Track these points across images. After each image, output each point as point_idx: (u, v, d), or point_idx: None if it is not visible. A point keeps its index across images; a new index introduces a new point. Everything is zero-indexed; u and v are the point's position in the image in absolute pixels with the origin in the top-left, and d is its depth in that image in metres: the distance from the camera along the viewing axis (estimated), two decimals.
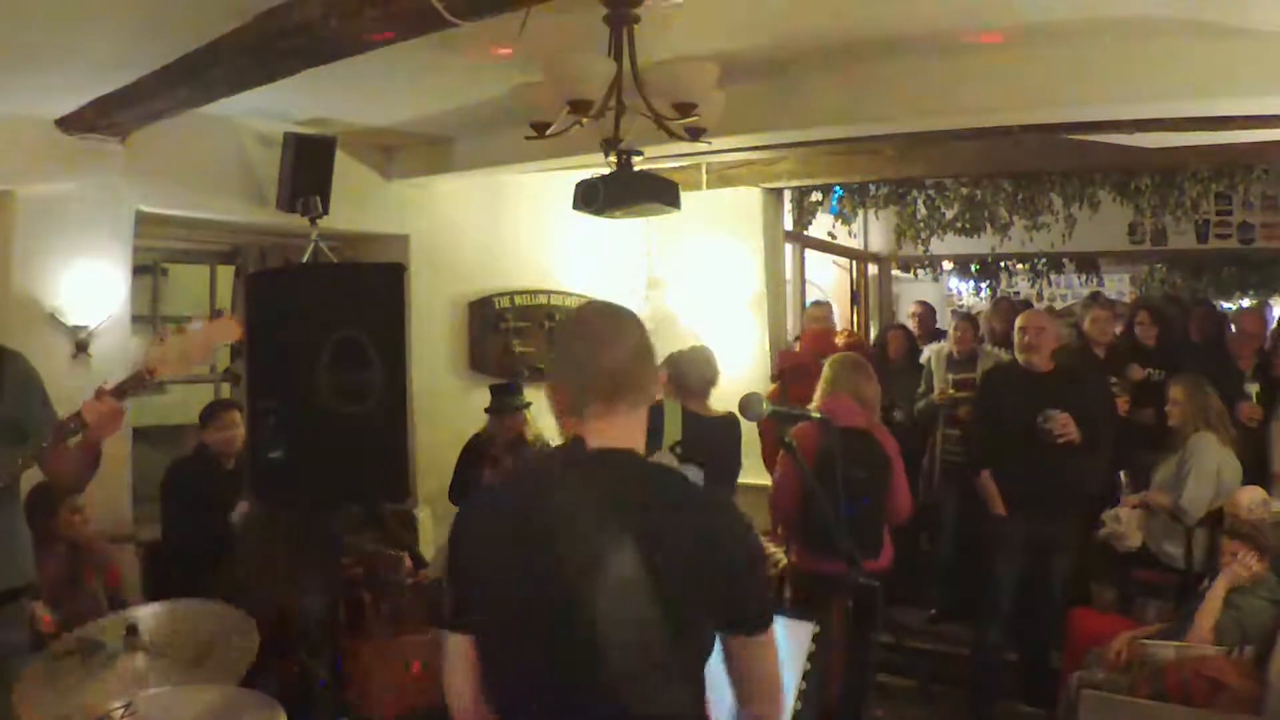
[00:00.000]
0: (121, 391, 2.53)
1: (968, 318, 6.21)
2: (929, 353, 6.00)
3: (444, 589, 1.65)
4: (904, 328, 6.67)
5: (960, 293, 11.49)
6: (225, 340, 2.70)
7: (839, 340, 6.06)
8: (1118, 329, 5.66)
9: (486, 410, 4.94)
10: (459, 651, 1.60)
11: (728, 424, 3.99)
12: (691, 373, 4.07)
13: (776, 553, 4.52)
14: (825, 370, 4.15)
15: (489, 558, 1.57)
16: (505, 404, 4.89)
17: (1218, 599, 3.63)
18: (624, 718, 1.49)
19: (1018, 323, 4.47)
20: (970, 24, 3.40)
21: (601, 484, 1.54)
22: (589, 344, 1.62)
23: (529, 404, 4.93)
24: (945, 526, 5.45)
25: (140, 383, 2.56)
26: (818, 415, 2.83)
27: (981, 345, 5.78)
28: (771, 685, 1.62)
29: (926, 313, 7.16)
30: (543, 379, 5.68)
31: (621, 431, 1.61)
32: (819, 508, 2.86)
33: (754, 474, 4.63)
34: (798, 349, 6.25)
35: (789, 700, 2.05)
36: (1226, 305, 9.66)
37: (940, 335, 6.89)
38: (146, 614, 2.71)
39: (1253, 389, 4.94)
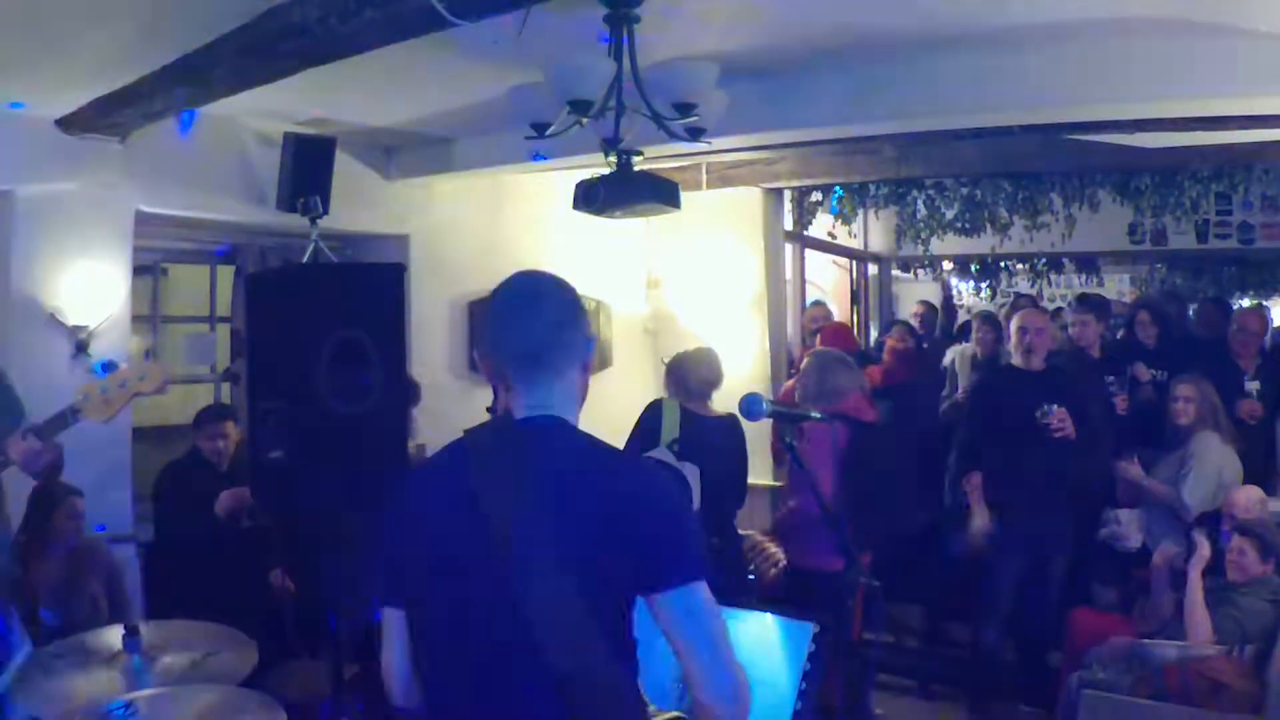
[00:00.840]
0: (45, 431, 2.66)
1: (991, 319, 6.17)
2: (953, 354, 6.02)
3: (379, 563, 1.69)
4: (908, 324, 6.68)
5: (960, 293, 11.48)
6: (146, 390, 2.78)
7: (892, 343, 6.06)
8: (1105, 330, 5.64)
9: (489, 410, 4.93)
10: (393, 626, 1.64)
11: (729, 425, 4.00)
12: (692, 374, 4.09)
13: (777, 553, 4.53)
14: (811, 364, 4.22)
15: (419, 530, 1.61)
16: None
17: (1197, 592, 3.65)
18: (553, 683, 1.47)
19: (1017, 323, 4.46)
20: (970, 24, 3.40)
21: (520, 454, 1.56)
22: (506, 315, 1.63)
23: None
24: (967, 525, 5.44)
25: (63, 423, 2.68)
26: (817, 415, 2.83)
27: (1003, 346, 5.78)
28: (706, 657, 1.50)
29: (928, 312, 7.16)
30: None
31: (544, 399, 1.61)
32: (822, 506, 2.87)
33: (755, 474, 4.63)
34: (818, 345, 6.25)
35: (788, 703, 2.05)
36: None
37: (962, 336, 6.90)
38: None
39: (1252, 386, 4.93)
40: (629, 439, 4.06)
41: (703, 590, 1.52)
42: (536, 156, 3.86)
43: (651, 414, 4.09)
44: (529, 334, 1.61)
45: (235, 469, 4.30)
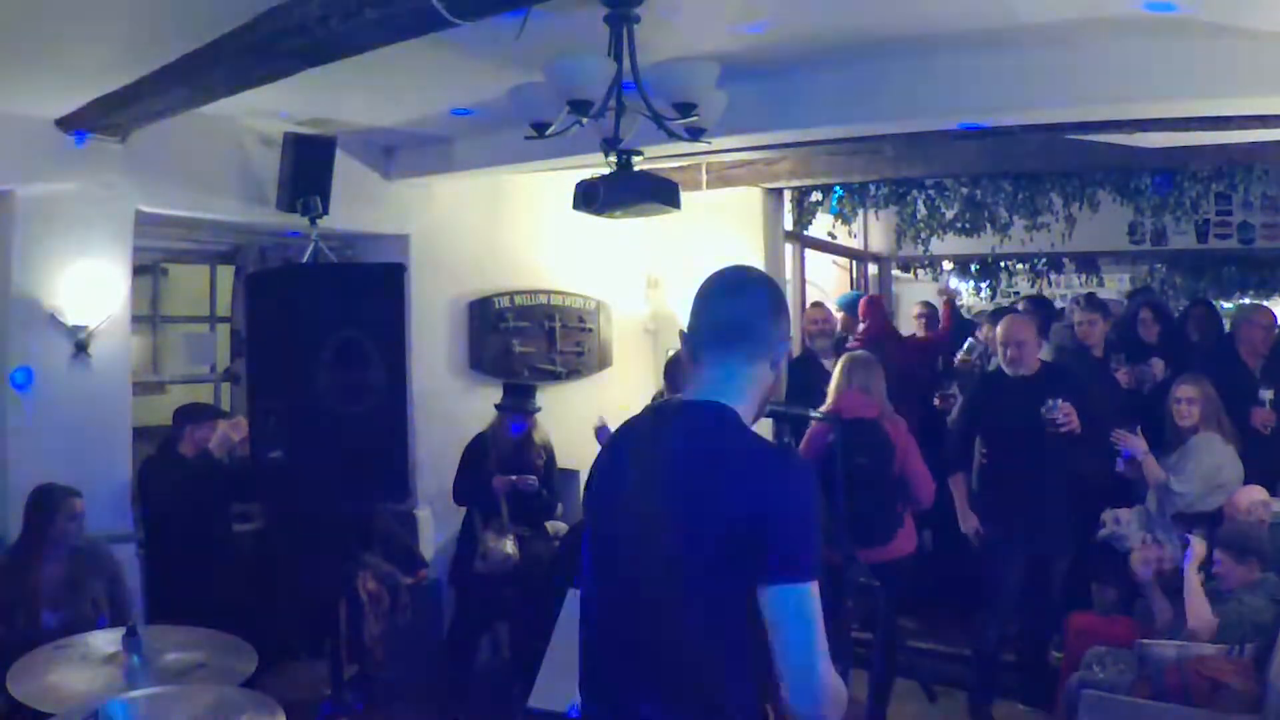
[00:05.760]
0: None
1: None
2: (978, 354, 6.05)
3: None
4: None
5: (959, 293, 11.47)
6: None
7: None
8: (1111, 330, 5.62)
9: (497, 406, 4.94)
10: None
11: None
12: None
13: None
14: (837, 368, 4.34)
15: (592, 507, 1.79)
16: (522, 405, 4.92)
17: (1195, 585, 3.64)
18: (672, 652, 1.58)
19: (998, 335, 4.46)
20: (970, 24, 3.39)
21: (662, 433, 1.67)
22: (709, 296, 1.76)
23: (539, 408, 4.99)
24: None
25: None
26: (817, 415, 2.83)
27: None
28: (796, 656, 1.50)
29: (931, 314, 7.14)
30: (544, 380, 5.70)
31: (708, 384, 1.69)
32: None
33: None
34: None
35: None
36: (1226, 305, 9.64)
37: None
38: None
39: (1266, 395, 4.79)
40: None
41: (810, 591, 1.52)
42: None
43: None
44: (725, 314, 1.71)
45: (230, 463, 4.31)
